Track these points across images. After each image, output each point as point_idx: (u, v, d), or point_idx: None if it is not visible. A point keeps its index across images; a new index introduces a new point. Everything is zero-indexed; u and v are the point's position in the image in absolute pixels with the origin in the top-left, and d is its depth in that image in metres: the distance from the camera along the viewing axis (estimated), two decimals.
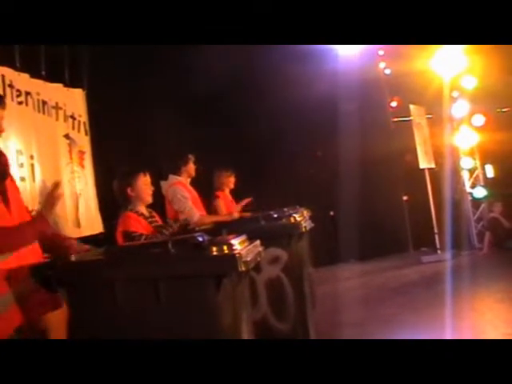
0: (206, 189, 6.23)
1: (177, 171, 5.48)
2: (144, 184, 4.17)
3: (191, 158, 5.57)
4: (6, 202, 2.69)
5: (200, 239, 2.30)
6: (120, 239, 3.98)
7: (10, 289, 2.48)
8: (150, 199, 4.22)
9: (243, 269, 2.22)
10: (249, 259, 2.30)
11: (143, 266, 2.25)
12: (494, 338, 4.32)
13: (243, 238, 2.48)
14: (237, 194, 6.73)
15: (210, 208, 6.30)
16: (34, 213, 3.61)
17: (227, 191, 6.74)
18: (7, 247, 2.54)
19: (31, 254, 2.66)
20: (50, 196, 2.75)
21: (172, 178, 5.46)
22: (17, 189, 2.89)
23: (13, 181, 2.89)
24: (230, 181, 6.72)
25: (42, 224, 2.72)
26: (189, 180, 5.57)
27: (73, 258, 2.28)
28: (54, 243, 2.94)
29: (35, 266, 2.36)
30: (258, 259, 2.54)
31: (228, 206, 6.45)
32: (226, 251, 2.24)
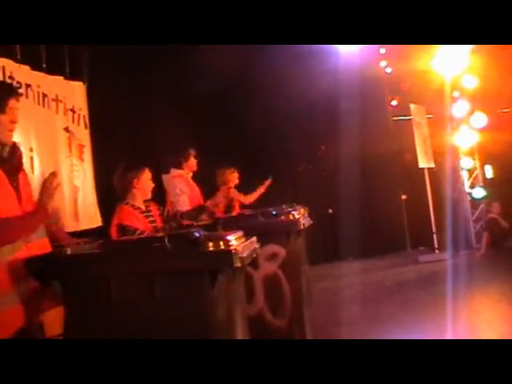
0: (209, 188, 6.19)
1: (178, 165, 5.52)
2: (148, 178, 4.21)
3: (192, 152, 5.59)
4: (19, 194, 2.68)
5: (196, 234, 2.30)
6: (114, 232, 3.99)
7: (15, 286, 2.47)
8: (149, 195, 4.24)
9: (239, 265, 2.22)
10: (245, 255, 2.30)
11: (139, 260, 2.25)
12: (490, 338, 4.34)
13: (240, 234, 2.48)
14: (238, 190, 6.72)
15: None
16: None
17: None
18: (9, 237, 2.52)
19: (41, 250, 2.64)
20: (47, 187, 2.75)
21: (174, 171, 5.53)
22: (28, 183, 2.87)
23: (25, 174, 2.87)
24: (234, 176, 6.63)
25: (43, 215, 2.71)
26: (190, 174, 5.59)
27: (68, 251, 2.28)
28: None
29: (29, 258, 2.35)
30: (254, 255, 2.54)
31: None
32: (222, 247, 2.24)
